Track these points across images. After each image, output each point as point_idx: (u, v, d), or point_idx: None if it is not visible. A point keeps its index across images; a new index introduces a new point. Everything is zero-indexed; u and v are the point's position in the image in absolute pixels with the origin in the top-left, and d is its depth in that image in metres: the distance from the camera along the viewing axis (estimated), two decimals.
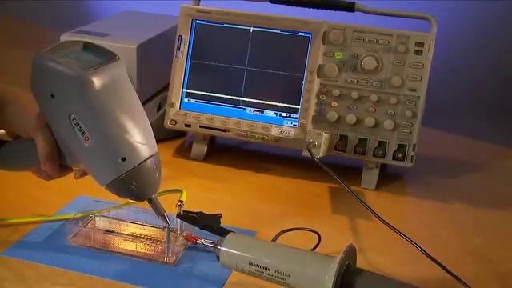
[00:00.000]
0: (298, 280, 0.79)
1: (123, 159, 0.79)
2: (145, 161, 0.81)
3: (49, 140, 0.84)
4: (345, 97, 1.14)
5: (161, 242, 0.92)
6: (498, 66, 1.60)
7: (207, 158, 1.24)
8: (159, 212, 0.85)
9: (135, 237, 0.94)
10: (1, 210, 1.00)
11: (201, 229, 0.90)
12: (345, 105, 1.15)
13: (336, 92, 1.14)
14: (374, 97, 1.13)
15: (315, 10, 1.19)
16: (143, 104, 1.33)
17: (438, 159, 1.29)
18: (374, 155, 1.14)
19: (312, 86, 1.15)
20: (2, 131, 0.92)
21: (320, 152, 1.10)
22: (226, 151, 1.28)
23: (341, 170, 1.07)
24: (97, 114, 0.79)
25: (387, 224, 0.95)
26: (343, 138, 1.15)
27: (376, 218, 0.97)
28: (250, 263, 0.81)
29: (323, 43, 1.15)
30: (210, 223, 0.89)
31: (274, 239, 0.94)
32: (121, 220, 0.96)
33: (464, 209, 1.11)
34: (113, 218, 0.97)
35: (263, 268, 0.80)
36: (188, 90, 1.21)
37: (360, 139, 1.14)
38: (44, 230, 0.96)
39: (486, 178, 1.23)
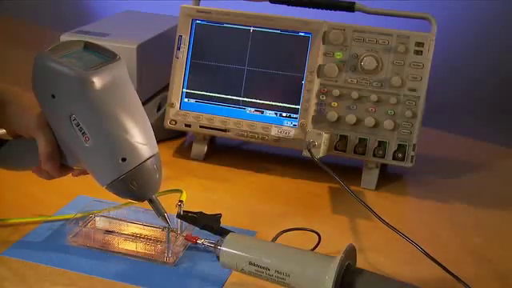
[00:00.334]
0: (298, 280, 0.79)
1: (123, 159, 0.79)
2: (145, 161, 0.81)
3: (49, 140, 0.85)
4: (345, 97, 1.14)
5: (161, 241, 0.92)
6: (498, 66, 1.60)
7: (207, 158, 1.24)
8: (160, 212, 0.85)
9: (135, 237, 0.94)
10: (1, 210, 1.00)
11: (201, 229, 0.90)
12: (345, 105, 1.15)
13: (336, 92, 1.14)
14: (373, 97, 1.13)
15: (315, 10, 1.19)
16: (143, 104, 1.33)
17: (438, 159, 1.29)
18: (374, 155, 1.14)
19: (312, 86, 1.15)
20: (3, 130, 0.92)
21: (320, 152, 1.10)
22: (226, 151, 1.28)
23: (341, 170, 1.07)
24: (97, 115, 0.79)
25: (387, 224, 0.95)
26: (343, 138, 1.15)
27: (376, 218, 0.97)
28: (250, 263, 0.81)
29: (323, 43, 1.15)
30: (209, 223, 0.89)
31: (274, 239, 0.94)
32: (121, 220, 0.96)
33: (464, 209, 1.11)
34: (113, 217, 0.97)
35: (263, 268, 0.80)
36: (188, 90, 1.21)
37: (360, 139, 1.14)
38: (44, 230, 0.96)
39: (485, 177, 1.23)
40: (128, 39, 1.30)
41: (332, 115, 1.14)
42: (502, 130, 1.50)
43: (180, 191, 1.01)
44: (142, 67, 1.27)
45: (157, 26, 1.46)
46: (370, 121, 1.13)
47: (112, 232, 0.95)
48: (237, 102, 1.19)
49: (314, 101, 1.16)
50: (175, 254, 0.91)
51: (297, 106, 1.17)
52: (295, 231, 0.97)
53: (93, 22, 1.44)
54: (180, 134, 1.31)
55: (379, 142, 1.14)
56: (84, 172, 0.87)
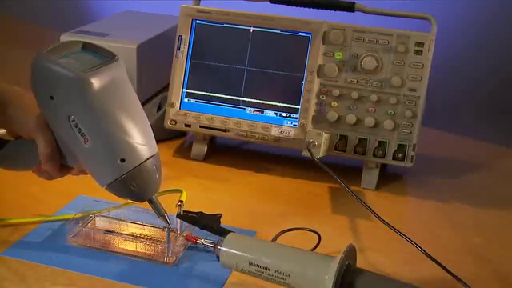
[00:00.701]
0: (298, 280, 0.79)
1: (122, 160, 0.79)
2: (145, 162, 0.81)
3: (49, 140, 0.85)
4: (345, 97, 1.14)
5: (161, 241, 0.92)
6: (498, 66, 1.60)
7: (207, 158, 1.24)
8: (160, 213, 0.85)
9: (135, 237, 0.94)
10: (1, 210, 1.00)
11: (201, 229, 0.90)
12: (345, 105, 1.15)
13: (336, 92, 1.14)
14: (373, 97, 1.13)
15: (315, 10, 1.19)
16: (143, 104, 1.33)
17: (438, 159, 1.29)
18: (374, 155, 1.14)
19: (312, 86, 1.15)
20: (3, 131, 0.92)
21: (320, 152, 1.10)
22: (226, 151, 1.28)
23: (341, 170, 1.07)
24: (96, 116, 0.79)
25: (387, 224, 0.95)
26: (343, 137, 1.15)
27: (376, 218, 0.97)
28: (250, 263, 0.81)
29: (323, 43, 1.15)
30: (209, 223, 0.89)
31: (274, 239, 0.94)
32: (121, 220, 0.96)
33: (464, 209, 1.11)
34: (113, 218, 0.97)
35: (263, 268, 0.80)
36: (188, 90, 1.21)
37: (360, 139, 1.14)
38: (44, 230, 0.96)
39: (486, 177, 1.23)
40: (128, 39, 1.30)
41: (332, 115, 1.14)
42: (502, 130, 1.50)
43: (180, 191, 1.01)
44: (142, 67, 1.27)
45: (157, 26, 1.46)
46: (369, 121, 1.13)
47: (112, 232, 0.95)
48: (237, 102, 1.19)
49: (314, 101, 1.16)
50: (175, 254, 0.91)
51: (297, 106, 1.17)
52: (295, 231, 0.97)
53: (93, 21, 1.44)
54: (180, 134, 1.32)
55: (379, 141, 1.14)
56: (84, 171, 0.87)
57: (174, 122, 1.21)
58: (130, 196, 0.82)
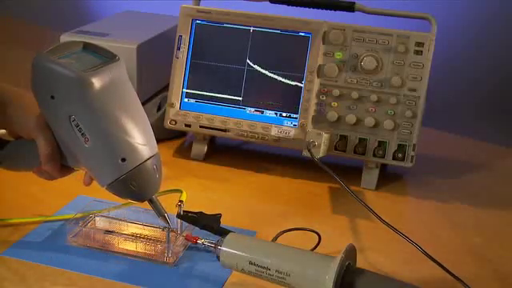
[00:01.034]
0: (298, 280, 0.79)
1: (123, 160, 0.79)
2: (145, 161, 0.81)
3: (49, 140, 0.85)
4: (345, 97, 1.14)
5: (161, 241, 0.92)
6: (498, 66, 1.60)
7: (207, 158, 1.24)
8: (160, 212, 0.85)
9: (135, 237, 0.94)
10: (1, 210, 1.00)
11: (201, 229, 0.90)
12: (345, 105, 1.15)
13: (336, 92, 1.14)
14: (373, 97, 1.13)
15: (315, 10, 1.19)
16: (143, 104, 1.33)
17: (438, 159, 1.29)
18: (374, 155, 1.14)
19: (312, 85, 1.15)
20: (3, 131, 0.92)
21: (320, 152, 1.10)
22: (226, 151, 1.28)
23: (341, 170, 1.07)
24: (96, 115, 0.79)
25: (387, 224, 0.95)
26: (343, 137, 1.15)
27: (376, 218, 0.97)
28: (251, 263, 0.81)
29: (323, 43, 1.15)
30: (210, 223, 0.89)
31: (274, 239, 0.94)
32: (121, 220, 0.96)
33: (464, 209, 1.11)
34: (113, 218, 0.97)
35: (263, 268, 0.80)
36: (188, 90, 1.21)
37: (360, 139, 1.14)
38: (44, 230, 0.96)
39: (486, 177, 1.23)
40: (128, 39, 1.30)
41: (332, 115, 1.14)
42: (502, 130, 1.50)
43: (180, 191, 1.01)
44: (142, 67, 1.27)
45: (157, 26, 1.46)
46: (369, 121, 1.13)
47: (112, 232, 0.95)
48: (237, 102, 1.19)
49: (314, 101, 1.16)
50: (175, 254, 0.91)
51: (297, 106, 1.17)
52: (295, 231, 0.97)
53: (93, 21, 1.44)
54: (180, 134, 1.31)
55: (379, 141, 1.14)
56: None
57: (174, 122, 1.21)
58: (131, 196, 0.82)
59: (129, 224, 0.96)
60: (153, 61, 1.37)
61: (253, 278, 0.82)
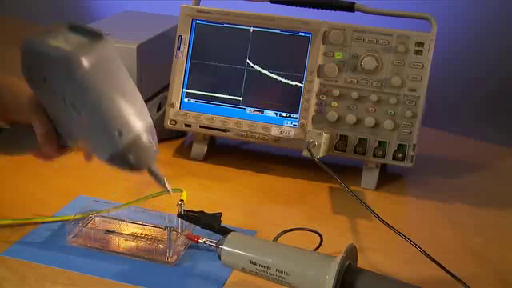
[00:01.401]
0: (299, 279, 0.79)
1: (120, 133, 0.81)
2: (140, 134, 0.82)
3: (45, 122, 0.86)
4: (345, 97, 1.14)
5: (161, 241, 0.92)
6: (498, 66, 1.60)
7: (207, 157, 1.24)
8: (160, 180, 0.85)
9: (135, 237, 0.94)
10: (1, 210, 1.00)
11: (202, 228, 0.90)
12: (345, 105, 1.15)
13: (336, 92, 1.14)
14: (373, 97, 1.13)
15: (315, 10, 1.19)
16: None
17: (438, 159, 1.29)
18: (374, 155, 1.14)
19: (312, 85, 1.15)
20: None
21: (320, 152, 1.10)
22: (226, 151, 1.28)
23: (341, 169, 1.07)
24: (90, 93, 0.80)
25: (387, 224, 0.95)
26: (343, 137, 1.15)
27: (376, 218, 0.97)
28: (251, 262, 0.81)
29: (323, 43, 1.15)
30: (210, 222, 0.89)
31: (275, 239, 0.94)
32: (121, 220, 0.96)
33: (464, 209, 1.11)
34: (113, 218, 0.97)
35: (264, 267, 0.80)
36: (188, 90, 1.21)
37: (360, 139, 1.14)
38: (44, 230, 0.96)
39: (485, 177, 1.23)
40: (128, 39, 1.30)
41: (332, 115, 1.14)
42: (502, 130, 1.50)
43: (180, 190, 1.01)
44: (142, 67, 1.27)
45: (157, 26, 1.46)
46: (370, 121, 1.13)
47: (112, 232, 0.95)
48: (237, 102, 1.19)
49: (313, 101, 1.16)
50: (176, 254, 0.91)
51: (297, 106, 1.17)
52: (295, 231, 0.97)
53: (93, 22, 1.44)
54: (180, 134, 1.31)
55: (379, 142, 1.14)
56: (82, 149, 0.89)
57: (174, 122, 1.21)
58: (129, 167, 0.83)
59: (129, 224, 0.96)
60: (153, 61, 1.37)
61: (253, 278, 0.82)
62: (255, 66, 1.18)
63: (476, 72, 1.61)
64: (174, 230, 0.92)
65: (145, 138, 0.83)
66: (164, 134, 1.27)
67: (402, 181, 1.20)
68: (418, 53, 1.12)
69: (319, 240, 0.95)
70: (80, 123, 0.81)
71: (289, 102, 1.17)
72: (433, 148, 1.30)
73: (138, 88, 1.19)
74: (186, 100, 1.21)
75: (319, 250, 0.93)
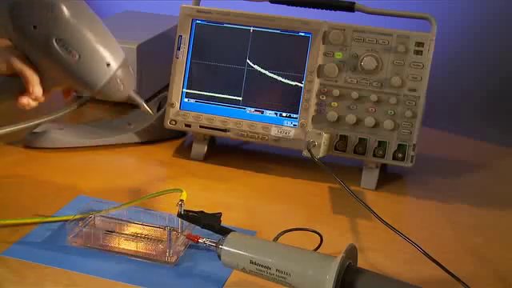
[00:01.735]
0: (299, 279, 0.79)
1: (108, 64, 0.94)
2: (123, 63, 0.95)
3: (33, 68, 0.95)
4: (345, 97, 1.14)
5: (162, 241, 0.92)
6: (498, 66, 1.60)
7: (207, 158, 1.24)
8: (139, 103, 0.98)
9: (136, 237, 0.94)
10: (1, 210, 1.00)
11: (202, 228, 0.90)
12: (345, 105, 1.15)
13: (336, 92, 1.14)
14: (373, 97, 1.13)
15: (315, 10, 1.19)
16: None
17: (438, 159, 1.29)
18: (374, 155, 1.14)
19: (312, 85, 1.15)
20: None
21: (320, 152, 1.10)
22: (226, 151, 1.28)
23: (341, 169, 1.07)
24: (78, 31, 0.92)
25: (387, 224, 0.95)
26: (343, 137, 1.15)
27: (376, 218, 0.97)
28: (251, 262, 0.81)
29: (323, 43, 1.15)
30: (210, 222, 0.89)
31: (275, 239, 0.94)
32: (121, 220, 0.96)
33: (464, 209, 1.11)
34: (113, 218, 0.97)
35: (264, 267, 0.80)
36: (188, 90, 1.21)
37: (360, 139, 1.14)
38: (44, 230, 0.96)
39: (486, 177, 1.23)
40: (128, 39, 1.30)
41: (332, 115, 1.14)
42: (502, 130, 1.50)
43: (180, 190, 1.01)
44: (142, 67, 1.28)
45: (157, 26, 1.46)
46: (370, 121, 1.13)
47: (112, 232, 0.95)
48: (237, 102, 1.19)
49: (313, 101, 1.16)
50: (176, 254, 0.91)
51: (297, 106, 1.17)
52: (295, 231, 0.97)
53: None
54: (180, 134, 1.32)
55: (379, 142, 1.14)
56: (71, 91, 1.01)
57: (174, 122, 1.21)
58: (119, 93, 0.96)
59: (129, 224, 0.96)
60: (153, 61, 1.37)
61: (253, 278, 0.82)
62: (255, 66, 1.18)
63: (476, 72, 1.61)
64: (174, 230, 0.92)
65: (127, 64, 0.97)
66: (164, 134, 1.28)
67: (402, 181, 1.20)
68: (417, 53, 1.12)
69: (319, 240, 0.95)
70: (71, 62, 0.92)
71: (289, 102, 1.17)
72: (433, 148, 1.30)
73: (138, 88, 1.23)
74: (186, 100, 1.21)
75: (319, 250, 0.93)
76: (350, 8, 1.16)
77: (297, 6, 1.20)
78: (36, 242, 0.93)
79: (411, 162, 1.13)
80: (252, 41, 1.18)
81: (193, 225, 0.92)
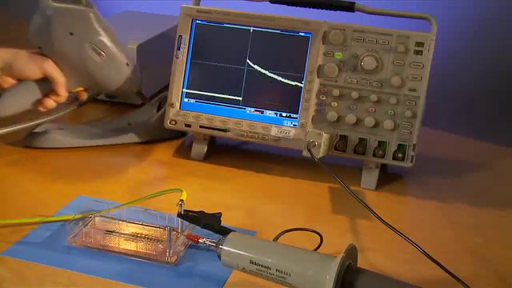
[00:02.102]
0: (299, 279, 0.79)
1: (127, 64, 1.14)
2: (136, 64, 1.14)
3: (60, 71, 1.11)
4: (345, 97, 1.14)
5: (162, 241, 0.92)
6: (498, 66, 1.60)
7: (207, 158, 1.24)
8: (145, 99, 1.25)
9: (135, 237, 0.94)
10: (1, 210, 1.00)
11: (202, 228, 0.90)
12: (345, 105, 1.15)
13: (336, 92, 1.14)
14: (373, 97, 1.13)
15: (315, 10, 1.19)
16: (143, 104, 1.34)
17: (438, 159, 1.29)
18: (374, 155, 1.14)
19: (312, 85, 1.15)
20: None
21: (320, 152, 1.10)
22: (226, 151, 1.28)
23: (341, 169, 1.07)
24: (106, 35, 1.11)
25: (387, 224, 0.95)
26: (343, 137, 1.15)
27: (376, 218, 0.97)
28: (251, 262, 0.81)
29: (323, 43, 1.15)
30: (210, 222, 0.89)
31: (276, 239, 0.94)
32: (121, 220, 0.96)
33: (464, 209, 1.11)
34: (113, 218, 0.97)
35: (264, 267, 0.80)
36: (188, 90, 1.21)
37: (360, 139, 1.14)
38: (44, 230, 0.96)
39: (486, 177, 1.23)
40: (128, 39, 1.30)
41: (332, 115, 1.14)
42: (502, 130, 1.50)
43: (180, 190, 1.01)
44: (142, 67, 1.27)
45: (157, 26, 1.46)
46: (370, 121, 1.13)
47: (112, 232, 0.95)
48: (237, 102, 1.19)
49: (313, 101, 1.16)
50: (176, 254, 0.91)
51: (297, 106, 1.17)
52: (295, 231, 0.97)
53: None
54: (180, 134, 1.31)
55: (379, 142, 1.14)
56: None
57: (174, 122, 1.21)
58: (130, 90, 1.19)
59: (129, 224, 0.96)
60: (153, 61, 1.37)
61: (253, 278, 0.82)
62: (255, 66, 1.18)
63: (476, 72, 1.61)
64: (174, 230, 0.92)
65: (136, 66, 1.16)
66: (164, 134, 1.28)
67: (402, 181, 1.20)
68: (417, 53, 1.12)
69: (319, 240, 0.95)
70: (98, 62, 1.11)
71: (289, 102, 1.17)
72: (433, 148, 1.30)
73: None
74: (185, 100, 1.21)
75: (319, 250, 0.93)
76: (350, 8, 1.16)
77: (297, 5, 1.20)
78: (36, 242, 0.93)
79: (411, 162, 1.13)
80: (252, 41, 1.18)
81: (193, 225, 0.92)
